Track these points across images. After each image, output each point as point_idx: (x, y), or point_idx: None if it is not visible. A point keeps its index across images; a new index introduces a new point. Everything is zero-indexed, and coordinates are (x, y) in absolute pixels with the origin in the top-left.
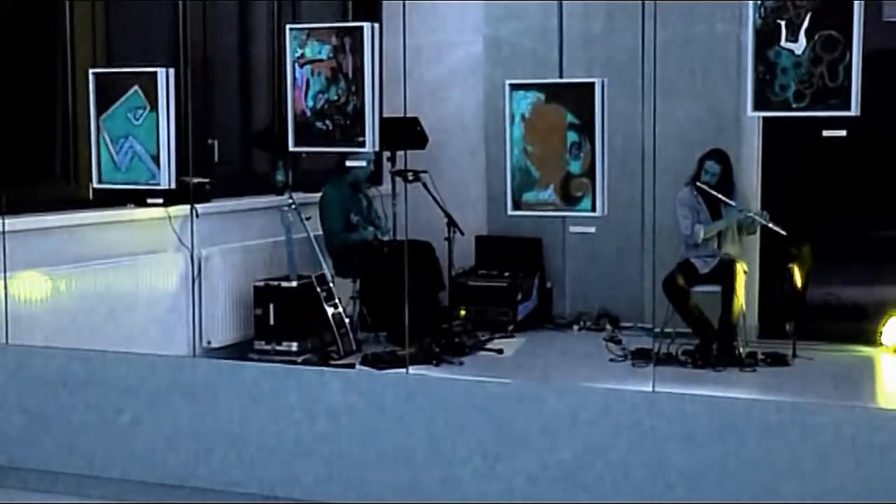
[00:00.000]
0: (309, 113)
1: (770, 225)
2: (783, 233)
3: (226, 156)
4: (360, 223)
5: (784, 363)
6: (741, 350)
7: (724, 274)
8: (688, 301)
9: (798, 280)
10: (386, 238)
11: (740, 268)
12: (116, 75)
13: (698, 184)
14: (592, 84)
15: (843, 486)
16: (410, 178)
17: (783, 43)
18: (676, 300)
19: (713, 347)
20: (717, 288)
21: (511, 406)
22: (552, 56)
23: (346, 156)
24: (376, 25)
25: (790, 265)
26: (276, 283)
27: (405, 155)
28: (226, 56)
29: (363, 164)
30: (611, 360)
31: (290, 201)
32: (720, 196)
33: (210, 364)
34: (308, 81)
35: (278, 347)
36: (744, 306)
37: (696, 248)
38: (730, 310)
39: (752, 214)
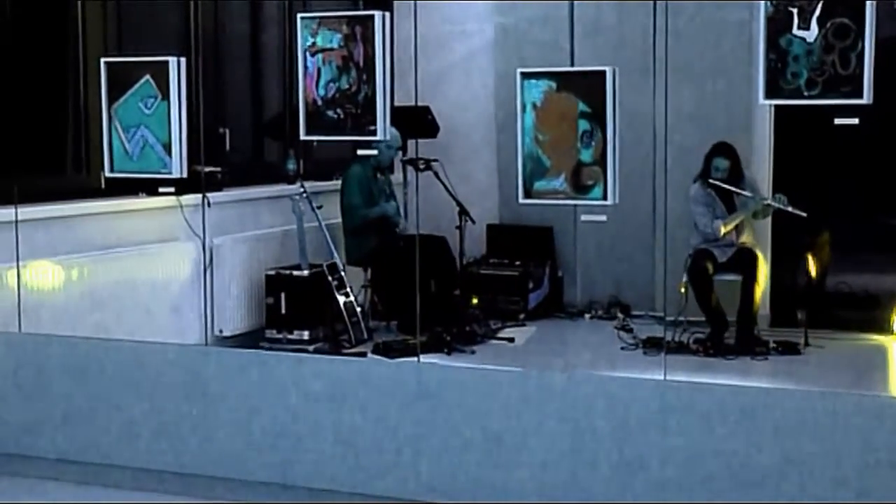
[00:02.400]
0: (320, 102)
1: (789, 209)
2: (803, 215)
3: (237, 145)
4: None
5: (796, 352)
6: (760, 336)
7: (744, 263)
8: (711, 290)
9: (813, 269)
10: (400, 227)
11: (761, 257)
12: (128, 64)
13: (711, 181)
14: (604, 72)
15: (854, 476)
16: (422, 166)
17: (795, 30)
18: (701, 289)
19: (725, 337)
20: (735, 276)
21: (522, 395)
22: (563, 44)
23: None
24: (387, 14)
25: (805, 253)
26: (287, 272)
27: (416, 143)
28: (237, 45)
29: (374, 152)
30: (622, 348)
31: (302, 190)
32: (737, 189)
33: (221, 353)
34: (319, 70)
35: (290, 336)
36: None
37: (712, 242)
38: (751, 298)
39: (770, 201)
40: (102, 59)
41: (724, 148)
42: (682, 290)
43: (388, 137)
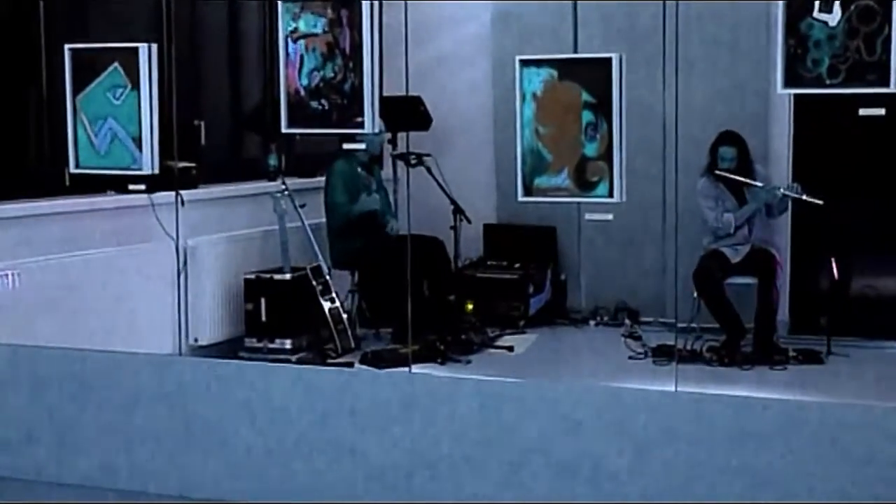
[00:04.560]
0: (303, 92)
1: (804, 197)
2: (819, 203)
3: (213, 138)
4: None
5: (818, 361)
6: (779, 344)
7: (759, 264)
8: (723, 294)
9: (836, 270)
10: (390, 227)
11: (778, 257)
12: (95, 51)
13: (717, 172)
14: (609, 59)
15: (885, 495)
16: (413, 161)
17: (816, 14)
18: (710, 293)
19: (741, 345)
20: (750, 279)
21: (522, 408)
22: (566, 30)
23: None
24: None
25: (827, 254)
26: (268, 275)
27: (407, 137)
28: (213, 30)
29: (362, 146)
30: (630, 357)
31: (283, 187)
32: (746, 180)
33: (197, 363)
34: (302, 58)
35: (271, 345)
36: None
37: (724, 238)
38: (768, 303)
39: (782, 190)
40: (67, 46)
41: (729, 136)
42: (696, 293)
43: (376, 130)
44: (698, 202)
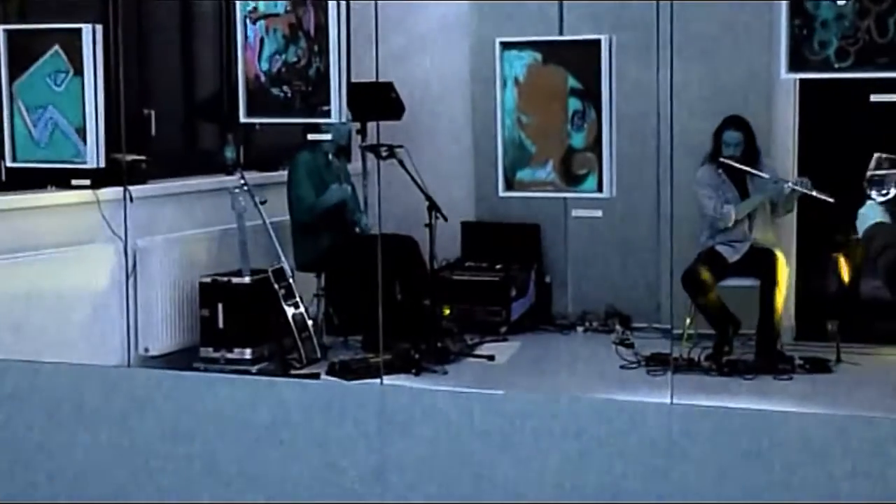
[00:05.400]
0: (263, 77)
1: (814, 193)
2: (830, 200)
3: (165, 129)
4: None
5: (826, 370)
6: (784, 351)
7: (761, 265)
8: (714, 300)
9: (844, 272)
10: (362, 225)
11: (781, 257)
12: (33, 33)
13: (722, 159)
14: (598, 42)
15: None
16: (384, 153)
17: None
18: (697, 296)
19: (732, 347)
20: (750, 281)
21: (504, 422)
22: (551, 9)
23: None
24: None
25: (835, 254)
26: (225, 279)
27: (377, 127)
28: (165, 10)
29: (327, 137)
30: (621, 366)
31: (242, 182)
32: (752, 170)
33: (148, 375)
34: (262, 40)
35: (229, 355)
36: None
37: (722, 234)
38: (771, 307)
39: (790, 184)
40: (1, 27)
41: (735, 120)
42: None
43: (343, 119)
44: (696, 191)
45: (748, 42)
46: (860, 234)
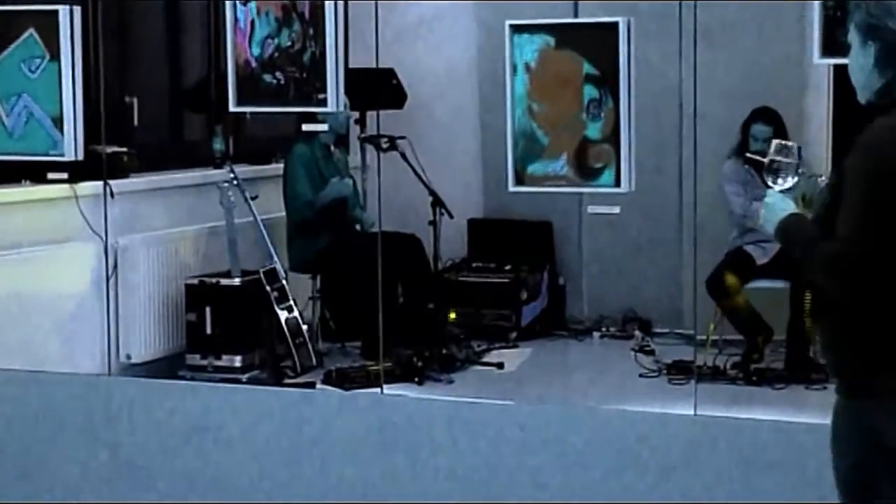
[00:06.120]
0: (255, 63)
1: None
2: None
3: (148, 119)
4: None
5: None
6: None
7: (791, 266)
8: (735, 294)
9: None
10: (362, 222)
11: None
12: (5, 15)
13: (748, 154)
14: (616, 25)
15: None
16: (385, 145)
17: None
18: (722, 301)
19: (763, 355)
20: (780, 283)
21: (513, 434)
22: None
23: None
24: None
25: None
26: (213, 280)
27: (378, 116)
28: None
29: (323, 127)
30: (641, 375)
31: (232, 176)
32: None
33: (130, 384)
34: (253, 23)
35: (217, 363)
36: None
37: (751, 233)
38: (802, 311)
39: (824, 178)
40: None
41: (764, 113)
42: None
43: (341, 108)
44: (722, 187)
45: (778, 25)
46: (762, 222)
